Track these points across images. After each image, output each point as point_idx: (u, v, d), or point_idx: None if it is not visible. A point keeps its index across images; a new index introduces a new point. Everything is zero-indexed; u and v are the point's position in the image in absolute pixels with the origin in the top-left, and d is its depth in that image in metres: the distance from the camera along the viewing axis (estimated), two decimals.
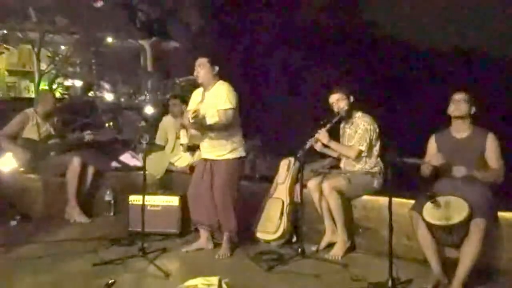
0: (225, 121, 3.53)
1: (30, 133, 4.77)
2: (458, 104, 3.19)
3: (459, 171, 3.04)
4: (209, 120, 3.57)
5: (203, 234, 3.86)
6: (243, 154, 3.73)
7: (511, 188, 3.29)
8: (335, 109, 3.84)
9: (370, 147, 3.76)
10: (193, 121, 3.41)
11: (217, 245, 3.83)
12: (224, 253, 3.68)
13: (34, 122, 4.79)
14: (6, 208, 4.62)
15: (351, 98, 3.85)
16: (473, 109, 3.19)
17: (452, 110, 3.22)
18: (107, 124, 5.01)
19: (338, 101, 3.83)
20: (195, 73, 3.65)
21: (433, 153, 3.26)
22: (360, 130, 3.74)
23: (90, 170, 4.87)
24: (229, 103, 3.55)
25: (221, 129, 3.57)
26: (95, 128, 5.24)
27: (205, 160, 3.78)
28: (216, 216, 3.71)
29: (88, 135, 4.84)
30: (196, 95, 3.81)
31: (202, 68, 3.64)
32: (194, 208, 3.82)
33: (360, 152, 3.74)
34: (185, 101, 5.07)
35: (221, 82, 3.68)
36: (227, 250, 3.71)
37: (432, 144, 3.36)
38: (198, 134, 3.74)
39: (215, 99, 3.59)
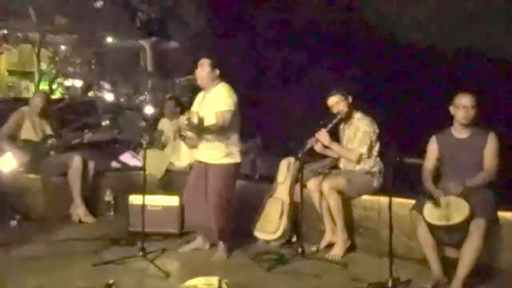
0: (221, 123, 3.48)
1: (28, 133, 4.74)
2: (468, 112, 3.10)
3: (454, 187, 2.96)
4: (207, 122, 3.52)
5: (200, 234, 3.85)
6: (238, 160, 3.63)
7: (511, 188, 3.29)
8: (335, 111, 3.83)
9: (370, 147, 3.76)
10: (186, 122, 3.36)
11: (213, 245, 3.81)
12: (220, 256, 3.65)
13: (31, 121, 4.79)
14: (6, 208, 4.61)
15: (350, 99, 3.85)
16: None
17: (462, 117, 3.12)
18: (103, 123, 4.94)
19: (337, 103, 3.82)
20: (195, 73, 3.64)
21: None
22: (360, 133, 3.74)
23: (91, 165, 4.83)
24: (226, 105, 3.51)
25: (217, 131, 3.51)
26: (95, 128, 5.20)
27: (200, 162, 3.72)
28: (210, 220, 3.64)
29: (86, 135, 4.81)
30: (198, 97, 3.79)
31: (203, 70, 3.61)
32: (189, 212, 3.78)
33: (361, 155, 3.74)
34: (180, 103, 5.05)
35: (222, 84, 3.64)
36: (223, 253, 3.67)
37: (433, 145, 3.33)
38: (194, 137, 3.70)
39: (214, 100, 3.57)
